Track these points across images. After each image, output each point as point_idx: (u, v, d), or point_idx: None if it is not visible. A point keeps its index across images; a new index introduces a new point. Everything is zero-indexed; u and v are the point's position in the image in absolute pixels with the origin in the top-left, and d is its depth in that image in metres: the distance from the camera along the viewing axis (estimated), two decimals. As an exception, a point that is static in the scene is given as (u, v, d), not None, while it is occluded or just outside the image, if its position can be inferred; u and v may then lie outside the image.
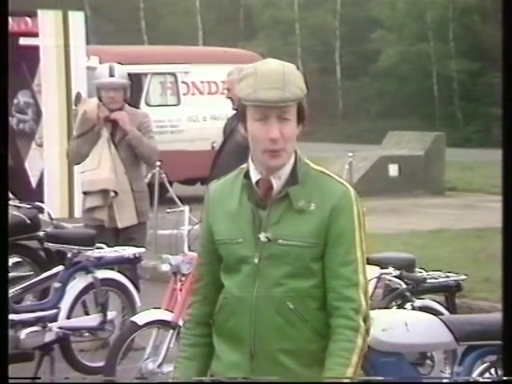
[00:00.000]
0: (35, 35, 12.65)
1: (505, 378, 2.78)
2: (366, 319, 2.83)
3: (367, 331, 2.87)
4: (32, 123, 13.04)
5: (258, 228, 2.85)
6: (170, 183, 13.09)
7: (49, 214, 9.11)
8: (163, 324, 7.35)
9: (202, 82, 16.31)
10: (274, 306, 2.83)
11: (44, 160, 12.71)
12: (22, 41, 12.70)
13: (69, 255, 7.89)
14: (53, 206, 10.74)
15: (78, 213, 11.61)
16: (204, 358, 3.03)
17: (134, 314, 7.65)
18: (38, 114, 12.94)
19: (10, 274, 8.53)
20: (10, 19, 13.20)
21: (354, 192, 2.86)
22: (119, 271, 8.24)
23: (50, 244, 8.38)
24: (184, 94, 16.63)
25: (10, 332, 7.59)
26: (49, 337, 7.66)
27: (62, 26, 12.56)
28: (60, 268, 7.96)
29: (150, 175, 11.28)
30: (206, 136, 14.19)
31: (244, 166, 2.95)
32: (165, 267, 7.67)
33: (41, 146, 12.81)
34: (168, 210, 8.60)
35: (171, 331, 7.32)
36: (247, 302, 2.85)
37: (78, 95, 10.28)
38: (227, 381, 2.89)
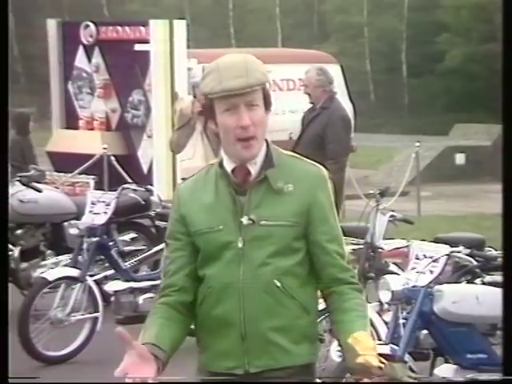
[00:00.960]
0: (147, 42, 12.85)
1: (505, 378, 2.54)
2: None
3: None
4: (143, 118, 13.16)
5: (239, 213, 2.69)
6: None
7: (158, 196, 9.20)
8: (71, 279, 7.59)
9: (281, 79, 16.19)
10: (261, 286, 2.68)
11: (153, 149, 12.85)
12: (137, 47, 12.86)
13: None
14: (161, 189, 10.90)
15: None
16: (179, 324, 2.76)
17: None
18: (148, 110, 13.03)
19: (128, 248, 8.85)
20: (127, 29, 13.78)
21: (326, 171, 2.76)
22: None
23: (160, 222, 8.49)
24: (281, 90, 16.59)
25: (129, 298, 7.88)
26: None
27: (169, 33, 12.80)
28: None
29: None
30: (285, 127, 14.27)
31: (213, 162, 2.82)
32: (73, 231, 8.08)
33: (150, 137, 12.96)
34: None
35: (78, 284, 7.55)
36: (234, 287, 2.68)
37: (176, 94, 10.54)
38: (227, 381, 2.68)
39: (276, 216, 2.65)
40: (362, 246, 6.53)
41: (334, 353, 5.94)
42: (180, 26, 13.06)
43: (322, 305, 2.89)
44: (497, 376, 2.60)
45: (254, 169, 2.67)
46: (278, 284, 2.64)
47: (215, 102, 2.63)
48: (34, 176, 9.74)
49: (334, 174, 7.74)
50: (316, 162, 2.87)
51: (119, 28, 13.62)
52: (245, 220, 2.64)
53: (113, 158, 12.77)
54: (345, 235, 2.94)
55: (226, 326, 2.66)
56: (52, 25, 14.04)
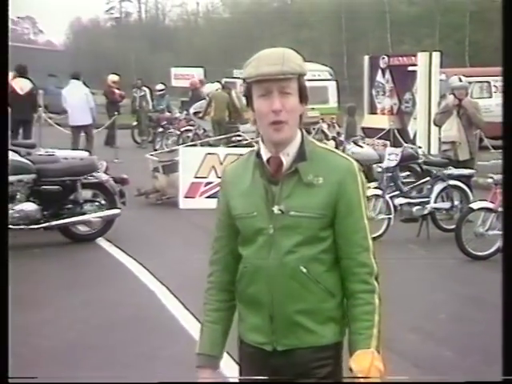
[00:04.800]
0: (416, 65, 12.91)
1: (505, 378, 1.78)
2: (377, 278, 1.94)
3: (379, 283, 1.95)
4: (411, 108, 13.03)
5: (271, 202, 1.91)
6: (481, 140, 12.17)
7: (422, 151, 8.98)
8: (376, 196, 7.48)
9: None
10: (288, 272, 1.90)
11: (417, 125, 12.82)
12: (410, 68, 12.96)
13: (433, 171, 8.01)
14: (422, 147, 10.05)
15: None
16: (227, 321, 2.06)
17: (468, 203, 7.38)
18: (414, 103, 13.04)
19: (406, 180, 8.45)
20: (405, 58, 13.45)
21: (357, 165, 1.95)
22: (462, 182, 7.91)
23: (424, 166, 8.44)
24: (494, 92, 16.20)
25: (407, 207, 7.68)
26: (426, 211, 7.71)
27: (428, 60, 12.77)
28: (428, 178, 8.09)
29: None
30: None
31: (254, 148, 2.00)
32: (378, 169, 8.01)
33: (415, 118, 12.81)
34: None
35: (381, 199, 7.47)
36: (263, 270, 1.92)
37: (444, 96, 10.51)
38: (227, 381, 2.04)
39: (304, 207, 1.88)
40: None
41: None
42: (435, 56, 12.90)
43: None
44: (497, 376, 1.78)
45: (286, 160, 1.90)
46: (304, 270, 1.89)
47: (253, 87, 1.88)
48: (357, 139, 10.52)
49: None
50: None
51: (400, 58, 13.64)
52: (275, 209, 1.90)
53: (395, 130, 12.77)
54: None
55: (257, 305, 1.95)
56: (366, 58, 14.35)
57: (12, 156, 6.77)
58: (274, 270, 1.89)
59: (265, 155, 1.92)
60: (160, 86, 17.89)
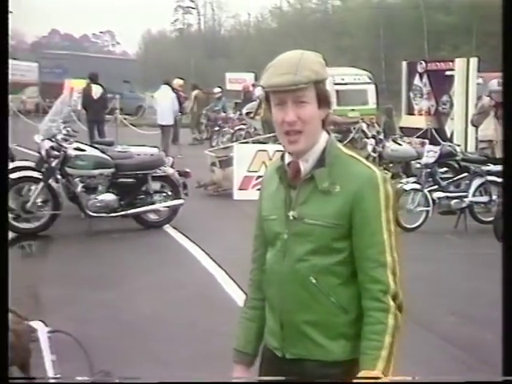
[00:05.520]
0: (453, 70, 12.64)
1: (505, 379, 1.50)
2: (395, 298, 1.60)
3: (399, 308, 1.61)
4: (449, 109, 12.87)
5: (288, 207, 1.67)
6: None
7: (460, 148, 8.77)
8: (415, 190, 7.10)
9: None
10: (298, 281, 1.64)
11: (454, 125, 12.59)
12: (447, 73, 12.72)
13: (472, 168, 7.78)
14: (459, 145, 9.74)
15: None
16: (262, 320, 1.79)
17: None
18: (451, 105, 12.78)
19: (443, 175, 8.12)
20: (442, 64, 13.21)
21: (382, 175, 1.63)
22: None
23: (461, 162, 8.27)
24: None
25: (446, 201, 7.40)
26: (464, 204, 7.48)
27: (466, 65, 12.48)
28: (466, 174, 7.87)
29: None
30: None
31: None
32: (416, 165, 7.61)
33: (452, 119, 12.65)
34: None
35: (420, 193, 7.03)
36: (277, 275, 1.69)
37: (481, 98, 10.01)
38: (227, 381, 1.74)
39: (318, 215, 1.62)
40: None
41: None
42: (473, 61, 12.63)
43: None
44: (497, 376, 1.57)
45: (304, 166, 1.65)
46: (314, 281, 1.62)
47: (270, 95, 1.63)
48: (396, 138, 10.20)
49: None
50: None
51: (438, 63, 13.39)
52: (290, 215, 1.66)
53: (433, 130, 12.57)
54: None
55: (272, 309, 1.73)
56: (404, 64, 14.13)
57: (95, 153, 7.00)
58: (286, 276, 1.66)
59: (287, 159, 1.69)
60: (217, 90, 18.11)
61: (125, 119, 15.64)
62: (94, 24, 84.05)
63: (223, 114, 16.96)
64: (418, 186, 7.48)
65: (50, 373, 1.18)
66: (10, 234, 6.50)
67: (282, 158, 1.70)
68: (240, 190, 9.26)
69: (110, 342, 3.85)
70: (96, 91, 12.49)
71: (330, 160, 1.63)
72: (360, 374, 1.54)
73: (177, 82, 15.90)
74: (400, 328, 1.59)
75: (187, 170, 7.63)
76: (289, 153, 1.67)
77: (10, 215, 6.33)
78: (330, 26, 40.45)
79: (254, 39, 47.72)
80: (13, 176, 6.42)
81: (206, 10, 57.65)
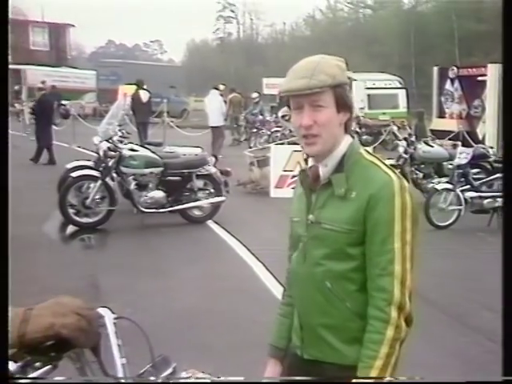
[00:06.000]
0: (485, 75, 12.56)
1: (505, 378, 1.27)
2: (400, 309, 1.46)
3: (406, 320, 1.48)
4: (481, 112, 12.89)
5: (308, 210, 1.59)
6: None
7: (492, 150, 8.51)
8: (447, 190, 6.80)
9: None
10: (315, 284, 1.56)
11: (486, 128, 12.44)
12: (479, 78, 12.63)
13: None
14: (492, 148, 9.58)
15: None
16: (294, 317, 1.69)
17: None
18: (483, 109, 12.73)
19: (477, 176, 7.80)
20: (474, 69, 13.08)
21: (400, 183, 1.49)
22: None
23: (494, 164, 8.16)
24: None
25: (478, 201, 7.23)
26: (497, 204, 7.23)
27: (498, 71, 12.15)
28: (499, 175, 7.52)
29: None
30: None
31: None
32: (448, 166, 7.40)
33: (484, 122, 12.56)
34: None
35: (452, 192, 6.77)
36: (298, 277, 1.62)
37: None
38: (226, 381, 1.33)
39: (333, 220, 1.53)
40: None
41: None
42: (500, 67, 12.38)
43: None
44: (497, 376, 1.32)
45: (323, 171, 1.57)
46: (329, 286, 1.54)
47: (289, 99, 1.55)
48: (427, 140, 9.76)
49: None
50: None
51: (470, 69, 13.27)
52: (309, 218, 1.58)
53: (464, 133, 12.41)
54: None
55: (296, 309, 1.67)
56: (435, 69, 14.00)
57: (146, 153, 7.11)
58: (305, 279, 1.59)
59: (310, 162, 1.62)
60: (255, 94, 18.33)
61: (171, 122, 15.84)
62: (145, 34, 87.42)
63: (261, 117, 17.14)
64: (450, 186, 7.39)
65: (117, 355, 1.19)
66: (72, 228, 6.69)
67: (306, 161, 1.63)
68: (276, 188, 9.25)
69: (161, 329, 3.84)
70: (144, 96, 12.76)
71: (349, 166, 1.54)
72: (353, 381, 1.46)
73: (221, 87, 16.59)
74: (401, 339, 1.47)
75: (228, 169, 7.64)
76: (307, 156, 1.60)
77: (72, 210, 6.53)
78: (361, 33, 40.07)
79: (289, 47, 47.68)
80: (74, 175, 6.60)
81: (245, 20, 58.96)
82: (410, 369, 1.36)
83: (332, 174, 1.55)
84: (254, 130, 16.22)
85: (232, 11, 57.81)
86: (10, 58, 28.64)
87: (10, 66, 24.78)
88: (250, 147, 14.34)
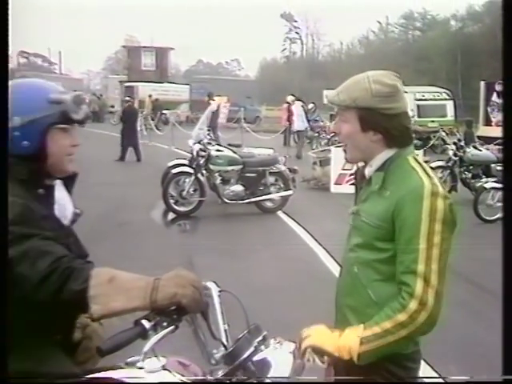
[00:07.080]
0: None
1: (505, 378, 1.18)
2: (421, 305, 1.34)
3: (428, 320, 1.34)
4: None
5: (355, 202, 1.57)
6: None
7: None
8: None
9: None
10: (347, 267, 1.52)
11: None
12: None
13: None
14: None
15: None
16: None
17: None
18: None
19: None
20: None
21: (432, 188, 1.37)
22: None
23: None
24: None
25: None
26: None
27: None
28: None
29: None
30: None
31: None
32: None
33: None
34: None
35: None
36: (342, 259, 1.59)
37: None
38: (226, 380, 1.22)
39: (368, 214, 1.46)
40: None
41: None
42: None
43: None
44: (497, 376, 1.18)
45: (367, 170, 1.52)
46: (356, 270, 1.48)
47: None
48: (476, 144, 9.20)
49: None
50: None
51: None
52: (353, 209, 1.55)
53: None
54: None
55: None
56: (482, 84, 13.45)
57: (229, 153, 7.28)
58: (343, 261, 1.58)
59: (362, 163, 1.58)
60: (311, 105, 18.41)
61: (248, 127, 16.46)
62: (226, 54, 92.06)
63: (321, 123, 17.34)
64: (497, 185, 7.11)
65: (221, 322, 1.24)
66: (171, 215, 6.88)
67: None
68: (336, 184, 9.22)
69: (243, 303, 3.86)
70: (214, 105, 13.27)
71: (390, 167, 1.46)
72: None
73: (290, 98, 16.58)
74: (411, 333, 1.34)
75: (295, 167, 7.70)
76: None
77: (172, 200, 6.81)
78: (410, 52, 38.89)
79: (346, 63, 47.39)
80: (174, 171, 6.91)
81: (308, 40, 59.45)
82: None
83: (374, 172, 1.50)
84: (316, 135, 16.35)
85: (297, 33, 59.04)
86: (126, 77, 30.59)
87: (126, 84, 26.83)
88: (313, 149, 14.33)
